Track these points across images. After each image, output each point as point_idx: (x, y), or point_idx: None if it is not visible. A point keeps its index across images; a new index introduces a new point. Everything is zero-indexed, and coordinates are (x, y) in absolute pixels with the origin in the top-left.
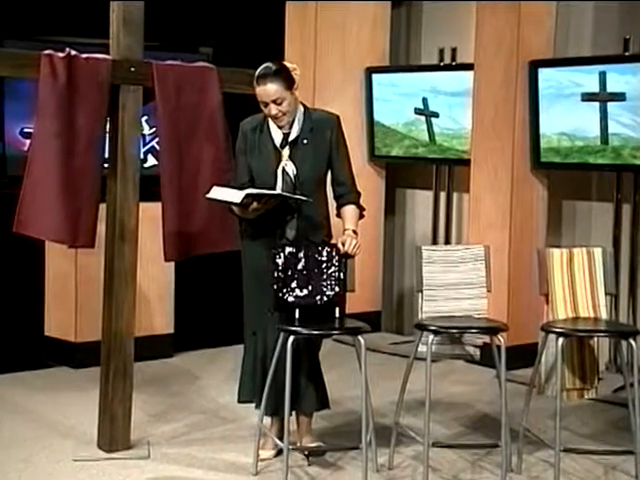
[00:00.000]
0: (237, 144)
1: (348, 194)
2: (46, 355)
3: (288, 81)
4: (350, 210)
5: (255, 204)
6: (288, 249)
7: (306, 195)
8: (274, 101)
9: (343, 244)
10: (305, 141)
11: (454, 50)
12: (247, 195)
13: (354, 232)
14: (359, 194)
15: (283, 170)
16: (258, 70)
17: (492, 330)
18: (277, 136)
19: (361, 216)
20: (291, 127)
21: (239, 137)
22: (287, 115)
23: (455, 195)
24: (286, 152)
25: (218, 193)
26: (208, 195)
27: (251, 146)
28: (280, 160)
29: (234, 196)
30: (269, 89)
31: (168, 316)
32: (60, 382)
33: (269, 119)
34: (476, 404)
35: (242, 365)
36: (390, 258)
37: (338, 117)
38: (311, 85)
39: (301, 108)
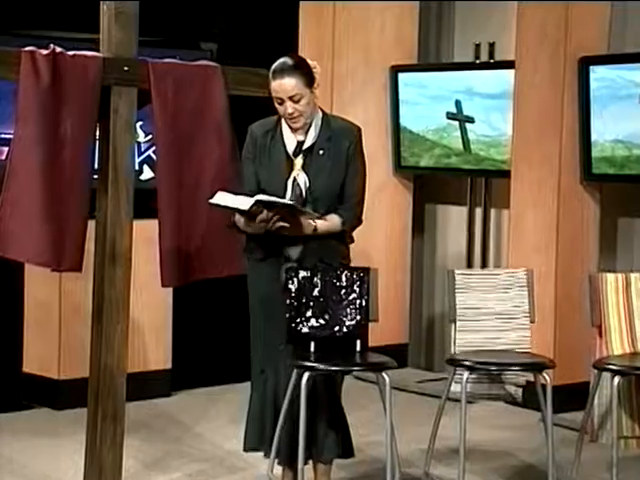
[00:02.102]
0: (244, 149)
1: (343, 212)
2: (24, 395)
3: (308, 77)
4: (331, 217)
5: (264, 214)
6: (302, 273)
7: (320, 212)
8: (291, 98)
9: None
10: (321, 151)
11: (492, 46)
12: (257, 202)
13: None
14: (356, 221)
15: (294, 181)
16: (275, 63)
17: (536, 367)
18: (290, 143)
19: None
20: (307, 133)
21: (247, 141)
22: (304, 116)
23: (493, 211)
24: (299, 161)
25: (223, 199)
26: (212, 200)
27: (261, 152)
28: (292, 170)
29: (242, 202)
30: (287, 84)
31: (165, 350)
32: (41, 426)
33: (282, 123)
34: (518, 453)
35: (249, 408)
36: (418, 283)
37: (359, 129)
38: (328, 86)
39: (319, 113)
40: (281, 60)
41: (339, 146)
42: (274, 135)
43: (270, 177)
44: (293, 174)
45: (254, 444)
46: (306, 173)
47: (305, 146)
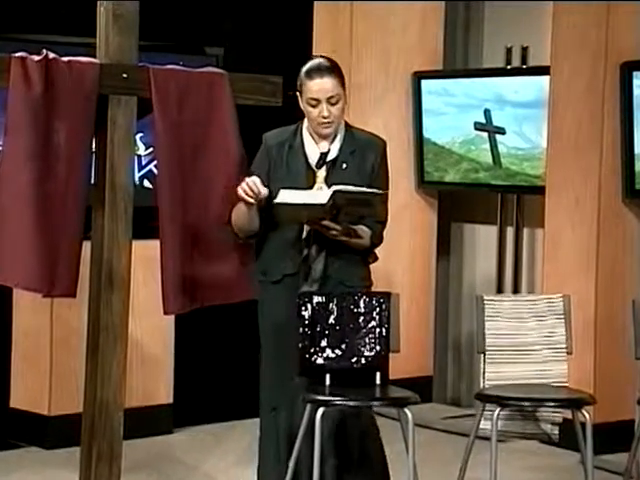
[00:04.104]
0: (255, 160)
1: (372, 225)
2: (11, 433)
3: (343, 79)
4: (362, 227)
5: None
6: (316, 299)
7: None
8: (329, 99)
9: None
10: (344, 165)
11: (525, 50)
12: (336, 193)
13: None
14: (378, 239)
15: None
16: (310, 63)
17: (575, 403)
18: (313, 153)
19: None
20: (331, 144)
21: (260, 152)
22: (335, 123)
23: (526, 231)
24: (322, 174)
25: (290, 196)
26: (277, 200)
27: (276, 164)
28: (313, 183)
29: (315, 197)
30: (327, 83)
31: (166, 383)
32: (29, 466)
33: (303, 132)
34: None
35: (259, 452)
36: (444, 310)
37: (385, 143)
38: (346, 91)
39: (342, 124)
40: (316, 60)
41: (363, 161)
42: (292, 145)
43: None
44: (315, 187)
45: None
46: (328, 187)
47: (329, 157)
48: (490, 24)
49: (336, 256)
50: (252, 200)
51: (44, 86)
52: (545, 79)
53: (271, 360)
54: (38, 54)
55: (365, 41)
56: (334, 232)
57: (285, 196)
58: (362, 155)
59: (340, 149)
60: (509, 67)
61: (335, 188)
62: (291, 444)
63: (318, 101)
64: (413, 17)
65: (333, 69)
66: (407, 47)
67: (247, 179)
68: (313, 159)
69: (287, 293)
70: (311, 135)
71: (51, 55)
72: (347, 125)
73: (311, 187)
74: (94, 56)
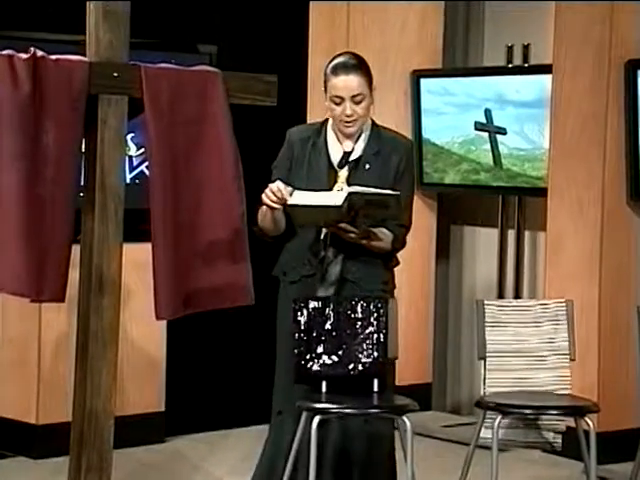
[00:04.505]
0: (278, 156)
1: (394, 229)
2: None
3: (370, 79)
4: (383, 230)
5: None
6: (312, 303)
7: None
8: (353, 97)
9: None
10: (367, 166)
11: (526, 48)
12: (351, 194)
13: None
14: (399, 244)
15: None
16: (336, 60)
17: (578, 411)
18: (335, 152)
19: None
20: (355, 144)
21: (284, 148)
22: (359, 122)
23: (527, 234)
24: (344, 173)
25: (303, 198)
26: (291, 202)
27: (298, 161)
28: (335, 182)
29: (329, 199)
30: (352, 81)
31: (158, 390)
32: (16, 477)
33: (328, 130)
34: None
35: (261, 455)
36: (443, 316)
37: (412, 145)
38: None
39: (369, 122)
40: (343, 56)
41: (388, 162)
42: (316, 142)
43: (309, 189)
44: (336, 187)
45: None
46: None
47: (352, 157)
48: (491, 21)
49: (354, 259)
50: (277, 206)
51: (32, 85)
52: (547, 78)
53: (284, 362)
54: (25, 52)
55: (362, 39)
56: (352, 235)
57: (299, 198)
58: (386, 156)
59: (364, 149)
60: (510, 66)
61: (350, 189)
62: (290, 452)
63: (342, 99)
64: (412, 14)
65: (360, 67)
66: (406, 45)
67: (271, 185)
68: (335, 158)
69: (304, 295)
70: (335, 133)
71: (39, 53)
72: (374, 124)
73: (332, 187)
74: (84, 54)
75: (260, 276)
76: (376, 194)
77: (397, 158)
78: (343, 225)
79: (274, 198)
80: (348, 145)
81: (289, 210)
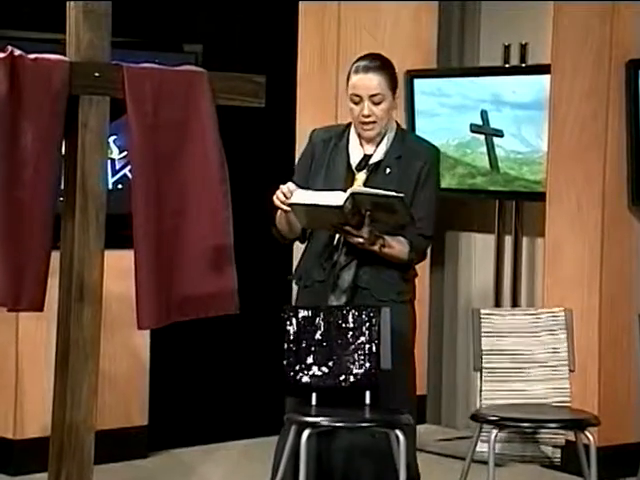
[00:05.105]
0: (300, 156)
1: (413, 238)
2: None
3: (393, 81)
4: (399, 239)
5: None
6: (302, 312)
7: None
8: (372, 97)
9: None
10: (388, 170)
11: (524, 47)
12: (354, 195)
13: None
14: (420, 256)
15: None
16: (359, 58)
17: (578, 424)
18: (356, 154)
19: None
20: (377, 147)
21: (304, 149)
22: (378, 125)
23: (525, 240)
24: (361, 176)
25: (304, 197)
26: (291, 201)
27: (318, 162)
28: (352, 185)
29: (331, 198)
30: (371, 80)
31: (141, 403)
32: None
33: (351, 131)
34: None
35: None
36: (438, 325)
37: (438, 151)
38: (332, 95)
39: (394, 126)
40: (368, 57)
41: (409, 167)
42: (337, 144)
43: (325, 189)
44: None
45: None
46: None
47: (372, 160)
48: (487, 20)
49: (369, 266)
50: (285, 207)
51: (9, 85)
52: (545, 78)
53: None
54: (3, 51)
55: (354, 38)
56: (360, 240)
57: (300, 196)
58: (408, 162)
59: (386, 153)
60: (507, 65)
61: (353, 190)
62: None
63: (360, 98)
64: (405, 12)
65: (382, 67)
66: (399, 44)
67: (282, 186)
68: (355, 160)
69: (316, 300)
70: (358, 135)
71: (17, 52)
72: (399, 129)
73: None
74: (63, 53)
75: (245, 284)
76: (379, 195)
77: (420, 164)
78: (347, 228)
79: (283, 198)
80: (369, 148)
81: (291, 209)
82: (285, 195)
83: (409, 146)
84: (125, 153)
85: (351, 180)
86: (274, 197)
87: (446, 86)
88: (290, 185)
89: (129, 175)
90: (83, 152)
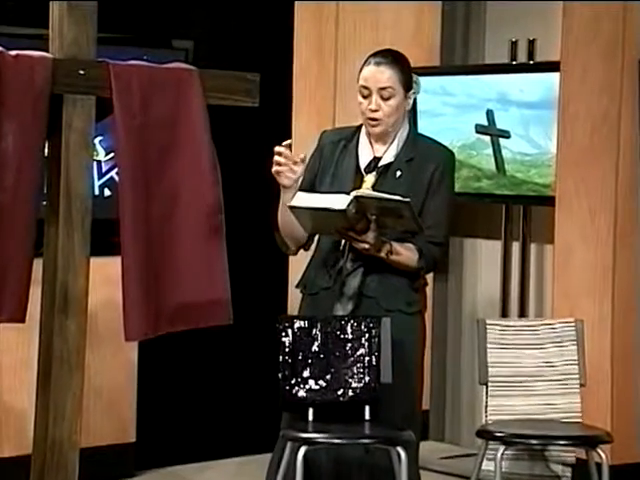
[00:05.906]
0: (309, 158)
1: (423, 246)
2: None
3: (406, 78)
4: (408, 246)
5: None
6: (298, 323)
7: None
8: (381, 91)
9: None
10: (399, 173)
11: (532, 43)
12: (358, 198)
13: (389, 248)
14: (432, 265)
15: None
16: (373, 53)
17: (589, 441)
18: (365, 156)
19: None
20: (387, 148)
21: (313, 151)
22: (386, 121)
23: (533, 247)
24: (370, 179)
25: (306, 200)
26: (292, 203)
27: (326, 164)
28: (359, 188)
29: (333, 201)
30: (382, 72)
31: (128, 419)
32: None
33: (361, 133)
34: None
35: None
36: (441, 336)
37: (452, 155)
38: (330, 94)
39: (406, 127)
40: (382, 50)
41: (421, 171)
42: (347, 145)
43: (331, 192)
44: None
45: None
46: None
47: (382, 163)
48: (493, 15)
49: (376, 273)
50: (290, 175)
51: None
52: (554, 76)
53: None
54: None
55: (353, 35)
56: (365, 246)
57: (301, 199)
58: (420, 165)
59: (397, 155)
60: (514, 63)
61: (357, 193)
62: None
63: (369, 91)
64: (407, 9)
65: (395, 61)
66: (400, 41)
67: (276, 148)
68: (364, 162)
69: (321, 308)
70: (368, 136)
71: None
72: (411, 130)
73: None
74: (46, 50)
75: (238, 293)
76: (384, 199)
77: (432, 168)
78: (352, 233)
79: (282, 160)
80: (379, 149)
81: (292, 213)
82: (281, 153)
83: (421, 149)
84: (112, 155)
85: (360, 182)
86: (273, 170)
87: (450, 84)
88: (284, 147)
89: (116, 178)
90: (67, 154)
